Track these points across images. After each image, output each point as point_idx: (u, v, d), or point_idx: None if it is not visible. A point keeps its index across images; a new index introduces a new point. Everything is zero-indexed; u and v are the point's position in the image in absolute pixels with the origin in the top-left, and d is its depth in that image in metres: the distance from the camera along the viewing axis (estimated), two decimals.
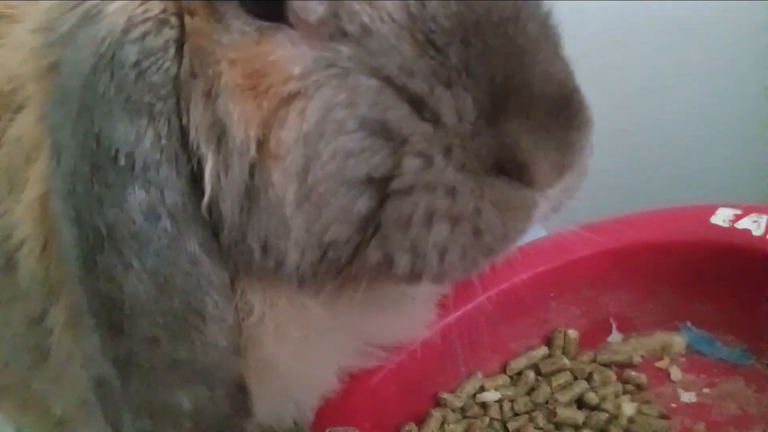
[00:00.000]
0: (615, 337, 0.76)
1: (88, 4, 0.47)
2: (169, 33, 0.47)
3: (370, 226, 0.45)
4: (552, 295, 0.75)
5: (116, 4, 0.47)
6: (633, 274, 0.74)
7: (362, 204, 0.45)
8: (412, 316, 0.65)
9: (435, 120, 0.43)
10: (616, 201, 0.76)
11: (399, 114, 0.43)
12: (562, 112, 0.44)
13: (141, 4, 0.47)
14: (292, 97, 0.44)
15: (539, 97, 0.43)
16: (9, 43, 0.62)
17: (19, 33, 0.59)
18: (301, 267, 0.48)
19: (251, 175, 0.46)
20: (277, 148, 0.45)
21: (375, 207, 0.45)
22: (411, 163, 0.43)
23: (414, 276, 0.46)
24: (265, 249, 0.48)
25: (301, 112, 0.44)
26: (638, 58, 1.05)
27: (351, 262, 0.47)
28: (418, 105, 0.43)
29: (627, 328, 0.76)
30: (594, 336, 0.77)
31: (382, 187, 0.44)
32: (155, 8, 0.47)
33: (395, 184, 0.44)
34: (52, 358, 0.59)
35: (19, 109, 0.56)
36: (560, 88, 0.44)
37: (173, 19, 0.47)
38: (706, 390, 0.70)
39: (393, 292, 0.58)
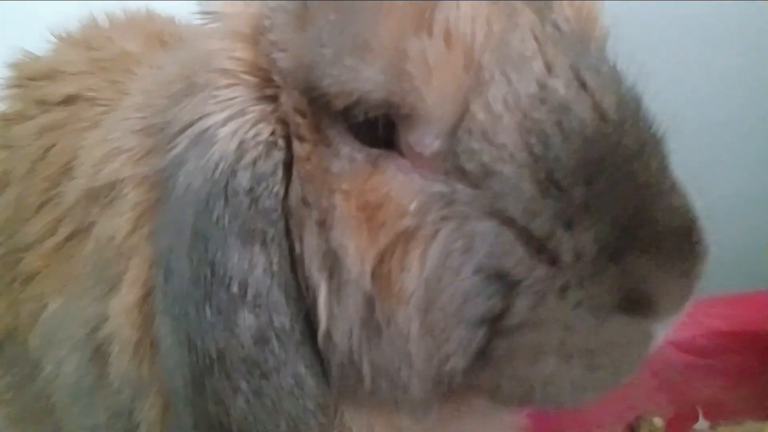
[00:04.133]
0: (702, 424, 0.74)
1: (200, 126, 0.48)
2: (278, 155, 0.47)
3: (483, 357, 0.45)
4: (638, 381, 0.73)
5: (228, 129, 0.47)
6: (723, 360, 0.72)
7: (479, 339, 0.44)
8: (501, 421, 0.64)
9: (552, 261, 0.42)
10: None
11: (516, 259, 0.42)
12: (686, 243, 0.43)
13: (251, 128, 0.47)
14: (409, 234, 0.44)
15: (665, 231, 0.42)
16: (99, 136, 0.63)
17: (114, 129, 0.60)
18: (418, 394, 0.47)
19: (368, 306, 0.45)
20: (401, 292, 0.44)
21: (487, 342, 0.44)
22: (522, 303, 0.43)
23: (522, 402, 0.47)
24: (380, 376, 0.47)
25: (421, 256, 0.44)
26: None
27: (465, 390, 0.47)
28: (536, 247, 0.42)
29: (715, 416, 0.74)
30: (679, 424, 0.75)
31: (494, 324, 0.44)
32: (265, 132, 0.47)
33: (505, 322, 0.43)
34: None
35: (109, 204, 0.57)
36: (684, 220, 0.43)
37: (281, 141, 0.47)
38: None
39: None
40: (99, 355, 0.57)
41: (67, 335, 0.61)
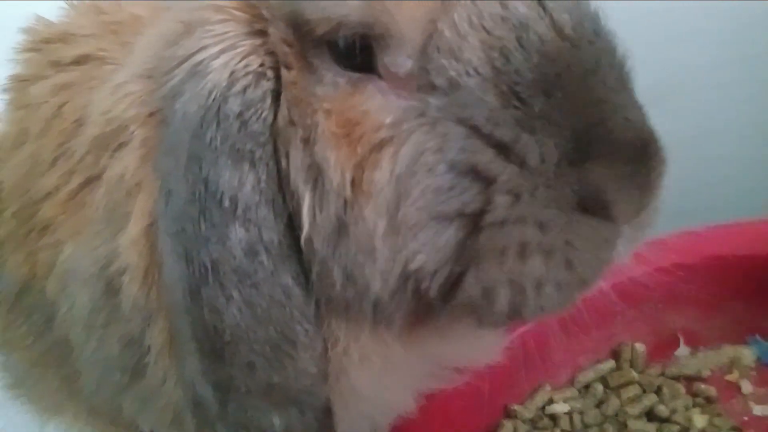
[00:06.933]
0: (683, 350, 0.77)
1: (195, 59, 0.52)
2: (266, 85, 0.51)
3: (462, 258, 0.48)
4: (618, 309, 0.77)
5: (220, 60, 0.51)
6: (699, 289, 0.75)
7: (450, 235, 0.48)
8: (485, 342, 0.68)
9: (520, 163, 0.45)
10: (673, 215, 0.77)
11: (486, 158, 0.46)
12: (641, 156, 0.46)
13: (242, 60, 0.51)
14: (384, 143, 0.48)
15: (620, 143, 0.45)
16: (107, 87, 0.67)
17: (120, 77, 0.64)
18: (382, 295, 0.51)
19: (344, 212, 0.49)
20: (370, 187, 0.48)
21: (464, 238, 0.47)
22: (501, 200, 0.46)
23: (513, 312, 0.48)
24: (348, 279, 0.51)
25: (393, 156, 0.48)
26: None
27: (446, 298, 0.50)
28: (504, 150, 0.46)
29: (694, 342, 0.77)
30: (661, 350, 0.78)
31: (473, 221, 0.47)
32: (254, 63, 0.51)
33: (488, 218, 0.46)
34: (148, 378, 0.63)
35: (119, 148, 0.61)
36: (639, 133, 0.46)
37: (269, 72, 0.51)
38: None
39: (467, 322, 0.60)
40: (111, 288, 0.61)
41: (80, 274, 0.64)
